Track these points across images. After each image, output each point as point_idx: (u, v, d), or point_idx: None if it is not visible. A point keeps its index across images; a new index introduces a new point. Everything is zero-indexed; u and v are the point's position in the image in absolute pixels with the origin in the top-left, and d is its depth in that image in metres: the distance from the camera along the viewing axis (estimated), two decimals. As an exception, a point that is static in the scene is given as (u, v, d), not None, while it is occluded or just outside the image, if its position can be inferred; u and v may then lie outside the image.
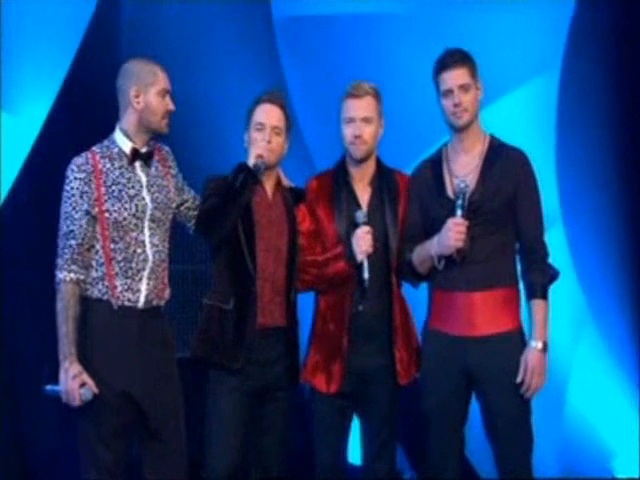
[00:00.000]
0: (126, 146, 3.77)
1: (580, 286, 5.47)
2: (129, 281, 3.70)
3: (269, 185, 4.02)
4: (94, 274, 3.70)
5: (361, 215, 3.95)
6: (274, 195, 4.03)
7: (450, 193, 3.90)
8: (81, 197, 3.68)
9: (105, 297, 3.69)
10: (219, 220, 3.87)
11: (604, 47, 5.43)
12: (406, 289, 4.06)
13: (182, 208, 3.94)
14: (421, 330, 4.02)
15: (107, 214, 3.69)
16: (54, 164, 4.11)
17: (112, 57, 4.98)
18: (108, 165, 3.73)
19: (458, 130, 3.91)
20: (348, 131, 4.00)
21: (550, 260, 3.90)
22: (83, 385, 3.60)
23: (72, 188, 3.69)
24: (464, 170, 3.92)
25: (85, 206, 3.68)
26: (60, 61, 5.33)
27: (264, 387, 3.91)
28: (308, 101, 5.53)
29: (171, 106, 3.81)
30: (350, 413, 4.03)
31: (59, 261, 3.68)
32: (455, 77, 3.85)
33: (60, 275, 3.67)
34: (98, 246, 3.70)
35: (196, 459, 3.93)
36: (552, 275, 3.88)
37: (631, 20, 5.41)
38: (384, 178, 4.06)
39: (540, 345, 3.80)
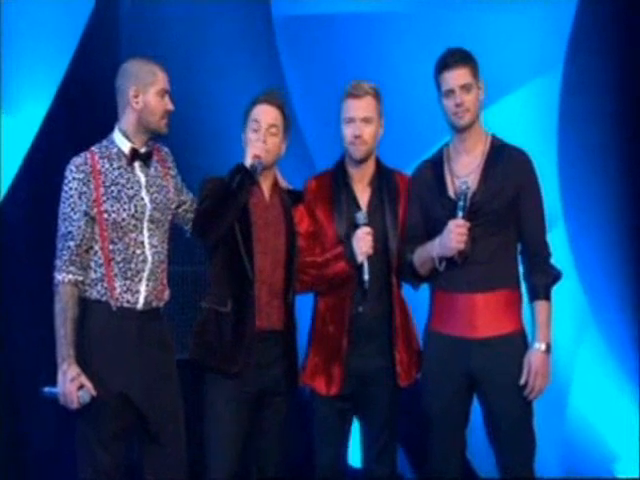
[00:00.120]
0: (125, 146, 3.76)
1: (582, 287, 5.46)
2: (128, 282, 3.69)
3: (266, 186, 4.00)
4: (93, 275, 3.68)
5: (361, 216, 3.93)
6: (271, 196, 4.01)
7: (451, 193, 3.89)
8: (79, 198, 3.67)
9: (104, 298, 3.67)
10: (216, 221, 3.85)
11: (606, 47, 5.41)
12: (406, 290, 4.05)
13: (180, 210, 3.92)
14: (422, 332, 4.00)
15: (106, 215, 3.67)
16: (52, 164, 4.10)
17: (111, 57, 4.98)
18: (107, 165, 3.71)
19: (460, 130, 3.90)
20: (348, 131, 3.98)
21: (552, 261, 3.89)
22: (81, 387, 3.59)
23: (70, 189, 3.68)
24: (465, 170, 3.90)
25: (83, 207, 3.66)
26: (59, 60, 5.32)
27: (262, 391, 3.89)
28: (308, 101, 5.52)
29: (170, 106, 3.80)
30: (350, 416, 4.02)
31: (57, 262, 3.67)
32: (457, 77, 3.83)
33: (58, 276, 3.65)
34: (97, 247, 3.69)
35: (196, 460, 3.90)
36: (555, 276, 3.87)
37: (634, 19, 5.40)
38: (384, 178, 4.04)
39: (543, 347, 3.80)
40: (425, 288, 4.01)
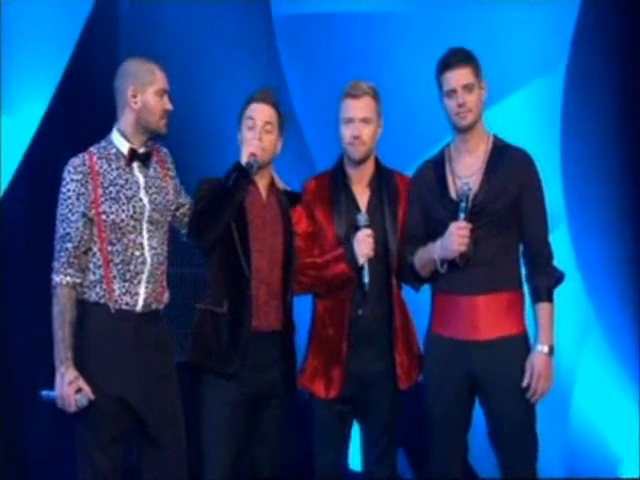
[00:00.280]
0: (123, 147, 3.73)
1: (585, 288, 5.45)
2: (127, 284, 3.66)
3: (263, 185, 3.98)
4: (91, 277, 3.66)
5: (362, 218, 3.92)
6: (268, 196, 3.99)
7: (453, 194, 3.87)
8: (77, 199, 3.64)
9: (102, 301, 3.65)
10: (212, 221, 3.83)
11: (609, 46, 5.43)
12: (406, 292, 4.03)
13: (178, 213, 3.90)
14: (423, 334, 3.98)
15: (104, 216, 3.65)
16: (51, 165, 4.10)
17: (110, 57, 4.97)
18: (105, 166, 3.69)
19: (462, 131, 3.88)
20: (347, 132, 3.96)
21: (555, 262, 3.87)
22: (79, 391, 3.57)
23: (68, 190, 3.65)
24: (467, 171, 3.89)
25: (81, 208, 3.64)
26: (57, 60, 5.33)
27: (259, 394, 3.87)
28: (308, 100, 5.54)
29: (169, 106, 3.78)
30: (350, 419, 4.00)
31: (55, 264, 3.65)
32: (459, 77, 3.81)
33: (56, 279, 3.63)
34: (95, 249, 3.66)
35: (196, 464, 3.89)
36: (557, 278, 3.85)
37: (636, 18, 5.41)
38: (383, 179, 4.03)
39: (546, 349, 3.78)
40: (425, 289, 3.99)
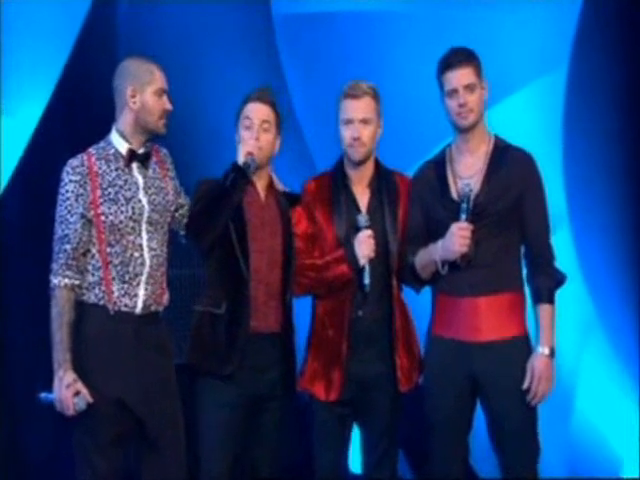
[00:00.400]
0: (122, 147, 3.72)
1: (587, 289, 5.45)
2: (126, 286, 3.65)
3: (261, 186, 3.97)
4: (90, 279, 3.65)
5: (363, 219, 3.90)
6: (267, 196, 3.98)
7: (454, 195, 3.86)
8: (76, 200, 3.63)
9: (101, 302, 3.64)
10: (209, 221, 3.81)
11: (611, 45, 5.42)
12: (406, 293, 4.01)
13: (177, 214, 3.89)
14: (423, 335, 3.97)
15: (103, 217, 3.64)
16: (49, 166, 4.08)
17: (108, 56, 4.95)
18: (104, 167, 3.68)
19: (463, 131, 3.87)
20: (346, 133, 3.95)
21: (556, 263, 3.86)
22: (77, 394, 3.55)
23: (67, 191, 3.64)
24: (469, 171, 3.88)
25: (80, 209, 3.63)
26: (56, 60, 5.32)
27: (257, 396, 3.85)
28: (308, 100, 5.54)
29: (168, 106, 3.76)
30: (350, 422, 3.99)
31: (54, 266, 3.64)
32: (460, 77, 3.80)
33: (55, 280, 3.62)
34: (94, 250, 3.65)
35: (194, 465, 3.87)
36: (559, 279, 3.84)
37: (639, 17, 5.40)
38: (383, 180, 4.01)
39: (547, 351, 3.77)
40: (426, 291, 3.98)
